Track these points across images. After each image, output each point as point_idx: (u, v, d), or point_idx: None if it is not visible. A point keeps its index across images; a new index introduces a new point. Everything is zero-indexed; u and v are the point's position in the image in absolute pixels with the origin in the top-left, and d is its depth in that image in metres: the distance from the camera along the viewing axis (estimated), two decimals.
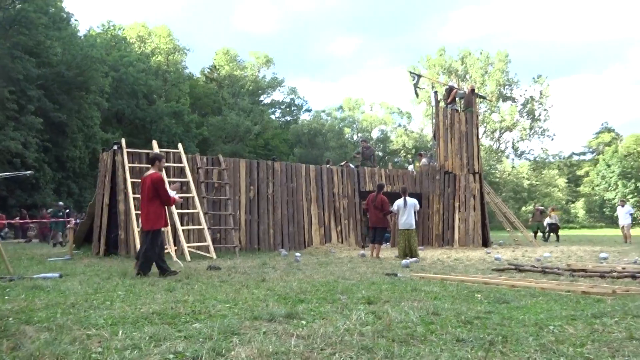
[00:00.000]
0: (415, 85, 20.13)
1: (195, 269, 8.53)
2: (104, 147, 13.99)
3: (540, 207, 25.18)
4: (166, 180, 7.55)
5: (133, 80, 37.10)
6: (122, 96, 37.19)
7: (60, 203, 20.78)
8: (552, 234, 22.50)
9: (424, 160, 19.32)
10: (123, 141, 12.50)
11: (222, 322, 3.94)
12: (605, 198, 55.53)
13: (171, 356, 3.00)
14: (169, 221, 7.57)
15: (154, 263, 7.48)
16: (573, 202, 58.49)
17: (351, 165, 17.75)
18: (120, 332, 3.57)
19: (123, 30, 45.49)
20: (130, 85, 37.18)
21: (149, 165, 8.50)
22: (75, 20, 36.02)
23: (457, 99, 18.17)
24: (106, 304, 4.88)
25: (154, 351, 3.08)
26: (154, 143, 12.92)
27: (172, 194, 8.00)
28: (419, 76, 20.59)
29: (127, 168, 11.90)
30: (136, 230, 11.09)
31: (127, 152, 12.20)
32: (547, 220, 22.58)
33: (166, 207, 7.62)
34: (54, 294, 5.47)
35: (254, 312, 4.41)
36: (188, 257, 10.69)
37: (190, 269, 8.50)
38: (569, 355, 3.19)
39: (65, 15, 33.28)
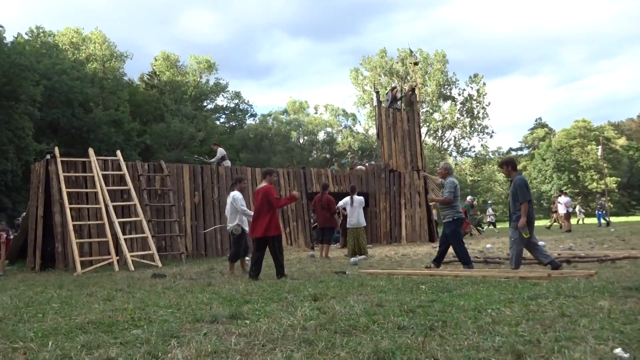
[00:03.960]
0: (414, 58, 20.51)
1: (138, 278, 8.25)
2: (36, 157, 13.29)
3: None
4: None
5: (67, 89, 35.42)
6: (56, 105, 35.47)
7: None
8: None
9: (359, 166, 19.64)
10: (56, 150, 11.93)
11: (161, 326, 3.81)
12: (542, 190, 58.32)
13: None
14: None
15: (277, 263, 7.61)
16: None
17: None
18: (50, 343, 3.38)
19: (54, 36, 43.51)
20: (65, 94, 35.49)
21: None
22: (1, 26, 34.09)
23: (397, 99, 18.53)
24: (38, 316, 4.62)
25: (85, 359, 2.93)
26: (90, 151, 12.41)
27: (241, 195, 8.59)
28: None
29: (62, 178, 11.36)
30: (74, 242, 10.61)
31: (62, 161, 11.65)
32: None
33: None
34: None
35: (197, 315, 4.30)
36: (132, 267, 10.33)
37: (134, 279, 8.22)
38: (504, 334, 3.29)
39: None
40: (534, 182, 59.42)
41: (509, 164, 7.54)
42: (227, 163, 15.83)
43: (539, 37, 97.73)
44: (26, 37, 40.78)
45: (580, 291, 4.83)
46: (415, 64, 20.27)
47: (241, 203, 8.40)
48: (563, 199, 21.52)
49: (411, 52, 19.45)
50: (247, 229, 8.48)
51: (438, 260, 8.17)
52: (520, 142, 71.03)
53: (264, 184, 7.86)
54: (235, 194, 8.49)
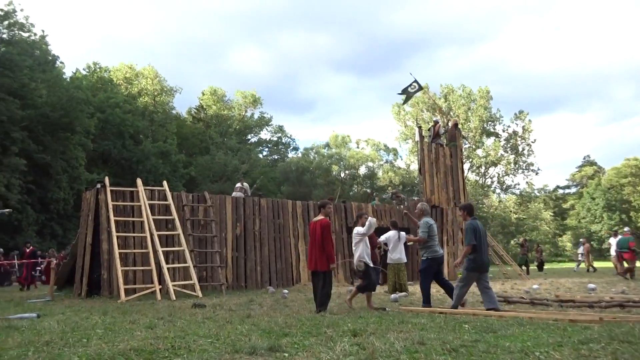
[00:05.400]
0: (409, 92, 20.01)
1: (179, 307, 8.35)
2: (87, 186, 13.83)
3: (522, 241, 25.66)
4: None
5: (119, 121, 37.15)
6: (108, 137, 37.15)
7: None
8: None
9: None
10: (106, 180, 12.40)
11: (201, 356, 3.83)
12: (592, 230, 55.92)
13: None
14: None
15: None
16: (560, 236, 58.79)
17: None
18: None
19: (109, 71, 45.90)
20: (117, 126, 37.20)
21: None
22: (61, 62, 36.34)
23: (440, 133, 18.41)
24: (82, 341, 4.73)
25: None
26: (139, 181, 12.83)
27: (363, 229, 8.44)
28: (418, 87, 20.33)
29: (110, 207, 11.76)
30: (119, 269, 10.88)
31: (111, 191, 12.08)
32: None
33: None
34: (28, 333, 5.30)
35: (236, 346, 4.30)
36: (173, 296, 10.47)
37: (175, 308, 8.32)
38: None
39: (50, 58, 33.55)
40: (583, 222, 57.15)
41: (465, 209, 8.06)
42: (235, 194, 15.84)
43: (587, 73, 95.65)
44: (84, 72, 43.22)
45: (635, 337, 4.56)
46: (420, 88, 19.55)
47: (355, 238, 8.41)
48: (615, 240, 20.50)
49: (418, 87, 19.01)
50: (370, 262, 8.38)
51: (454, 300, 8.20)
52: (567, 180, 68.77)
53: (320, 216, 7.90)
54: (357, 229, 8.52)
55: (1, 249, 21.81)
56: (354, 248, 8.44)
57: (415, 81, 19.63)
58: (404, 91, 20.04)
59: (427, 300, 8.14)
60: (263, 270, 14.02)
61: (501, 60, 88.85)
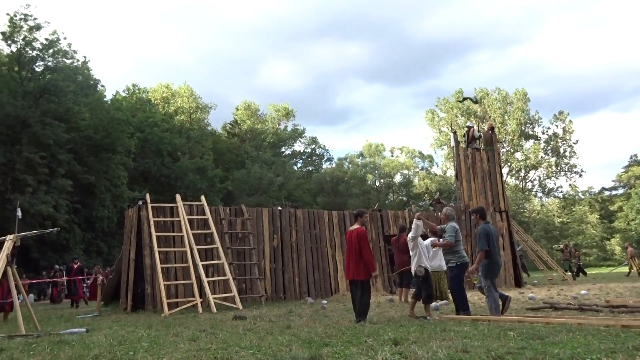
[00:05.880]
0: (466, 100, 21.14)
1: (221, 320, 8.45)
2: (130, 204, 14.24)
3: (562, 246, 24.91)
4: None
5: (158, 140, 38.21)
6: (148, 155, 38.23)
7: None
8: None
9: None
10: (147, 196, 12.71)
11: None
12: None
13: None
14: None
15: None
16: (609, 239, 56.54)
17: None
18: None
19: (147, 92, 47.35)
20: (156, 145, 38.27)
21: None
22: (102, 85, 37.76)
23: (476, 138, 18.09)
24: (129, 354, 4.84)
25: None
26: (178, 197, 13.12)
27: (411, 233, 8.53)
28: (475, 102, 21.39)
29: (152, 222, 12.05)
30: (162, 284, 11.11)
31: (152, 207, 12.39)
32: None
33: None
34: (78, 347, 5.46)
35: (277, 356, 4.32)
36: (214, 309, 10.61)
37: (216, 320, 8.43)
38: None
39: (92, 82, 34.88)
40: (632, 224, 54.78)
41: (477, 212, 7.99)
42: None
43: (630, 70, 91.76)
44: (123, 94, 44.72)
45: None
46: (475, 102, 21.08)
47: (409, 244, 8.46)
48: None
49: (474, 101, 20.88)
50: (429, 267, 8.37)
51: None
52: (613, 181, 66.11)
53: (356, 225, 7.89)
54: (410, 235, 8.54)
55: (57, 266, 22.42)
56: (411, 254, 8.38)
57: (475, 97, 20.68)
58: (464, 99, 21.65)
59: (464, 307, 7.93)
60: (301, 281, 14.04)
61: (538, 62, 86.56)
